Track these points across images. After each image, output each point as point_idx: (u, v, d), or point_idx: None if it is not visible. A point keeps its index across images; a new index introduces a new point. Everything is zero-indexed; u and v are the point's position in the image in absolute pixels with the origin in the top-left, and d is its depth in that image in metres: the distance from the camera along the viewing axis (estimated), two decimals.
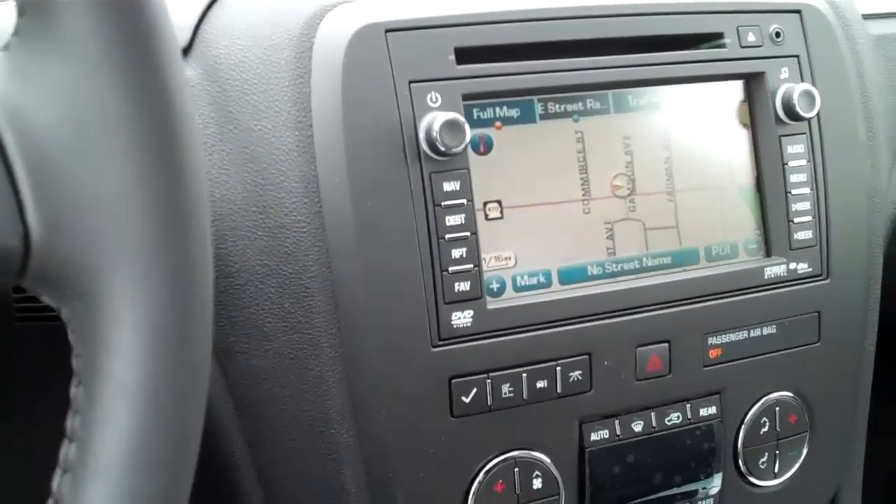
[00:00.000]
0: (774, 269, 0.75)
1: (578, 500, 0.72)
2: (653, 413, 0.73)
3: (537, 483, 0.70)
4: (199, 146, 0.37)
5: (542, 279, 0.69)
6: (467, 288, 0.65)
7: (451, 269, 0.65)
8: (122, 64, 0.35)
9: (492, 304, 0.67)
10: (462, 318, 0.65)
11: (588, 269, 0.71)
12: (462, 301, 0.65)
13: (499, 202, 0.68)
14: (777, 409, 0.78)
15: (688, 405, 0.74)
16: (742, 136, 0.75)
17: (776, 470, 0.79)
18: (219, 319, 0.66)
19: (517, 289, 0.69)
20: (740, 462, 0.78)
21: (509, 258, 0.69)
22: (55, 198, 0.36)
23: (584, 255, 0.70)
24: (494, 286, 0.68)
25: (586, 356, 0.69)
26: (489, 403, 0.66)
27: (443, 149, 0.62)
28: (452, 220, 0.65)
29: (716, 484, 0.77)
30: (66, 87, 0.36)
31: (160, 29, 0.36)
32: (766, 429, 0.78)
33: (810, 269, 0.76)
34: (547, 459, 0.70)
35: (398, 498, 0.67)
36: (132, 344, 0.36)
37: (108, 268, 0.36)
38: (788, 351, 0.77)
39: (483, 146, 0.67)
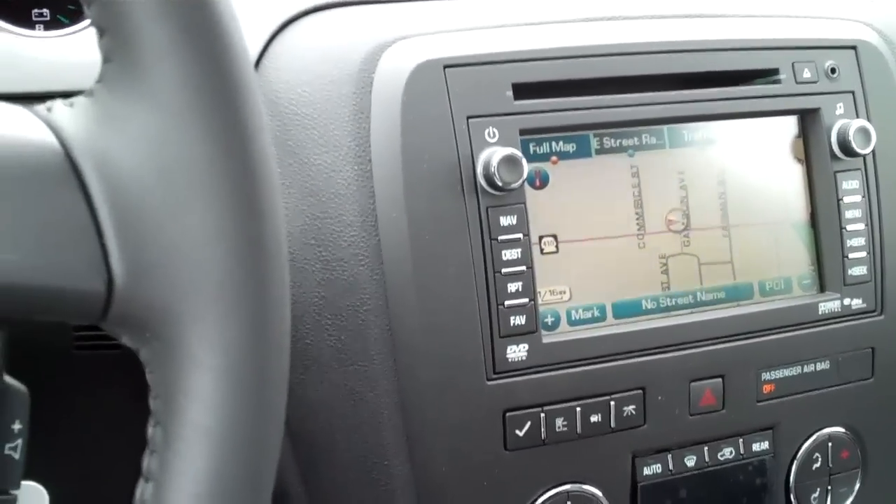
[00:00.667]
0: (828, 305, 0.75)
1: None
2: (706, 448, 0.73)
3: None
4: (279, 191, 0.38)
5: (596, 313, 0.70)
6: (523, 322, 0.66)
7: (507, 302, 0.65)
8: (207, 113, 0.36)
9: (547, 337, 0.67)
10: (517, 352, 0.66)
11: (642, 304, 0.71)
12: (517, 335, 0.66)
13: (554, 236, 0.68)
14: (829, 444, 0.78)
15: (741, 440, 0.74)
16: (797, 172, 0.75)
17: None
18: None
19: (572, 323, 0.69)
20: (792, 498, 0.77)
21: (564, 292, 0.69)
22: (139, 243, 0.36)
23: (639, 289, 0.71)
24: (549, 320, 0.68)
25: (640, 391, 0.69)
26: (543, 437, 0.67)
27: (500, 184, 0.62)
28: (509, 254, 0.65)
29: None
30: (151, 135, 0.36)
31: (246, 79, 0.37)
32: (818, 464, 0.78)
33: (864, 305, 0.76)
34: (599, 493, 0.70)
35: None
36: (211, 387, 0.36)
37: (190, 312, 0.36)
38: (842, 387, 0.77)
39: (539, 180, 0.68)
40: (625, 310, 0.70)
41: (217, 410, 0.36)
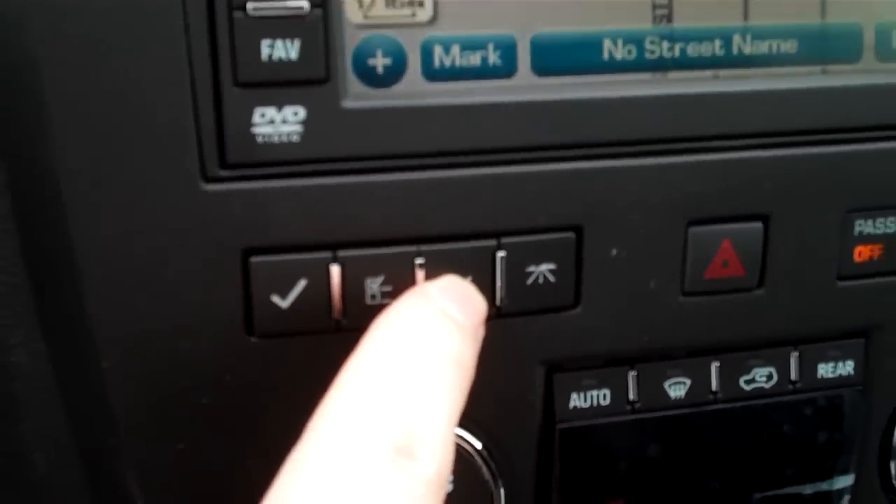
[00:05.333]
0: None
1: None
2: (715, 364, 0.35)
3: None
4: None
5: (493, 57, 0.32)
6: (293, 55, 0.29)
7: (251, 4, 0.28)
8: None
9: (360, 97, 0.30)
10: (280, 124, 0.29)
11: (604, 47, 0.32)
12: (281, 84, 0.29)
13: None
14: None
15: (793, 354, 0.36)
16: None
17: None
18: None
19: (431, 73, 0.31)
20: (894, 471, 0.39)
21: (420, 2, 0.31)
22: None
23: (598, 13, 0.32)
24: (378, 62, 0.31)
25: (571, 233, 0.32)
26: (336, 313, 0.30)
27: None
28: None
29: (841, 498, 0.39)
30: None
31: None
32: None
33: None
34: (470, 439, 0.34)
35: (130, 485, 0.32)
36: None
37: None
38: None
39: None
40: (560, 55, 0.32)
41: None
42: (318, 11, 0.29)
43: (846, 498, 0.39)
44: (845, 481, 0.39)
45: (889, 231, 0.36)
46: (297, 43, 0.29)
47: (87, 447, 0.32)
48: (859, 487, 0.39)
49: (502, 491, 0.35)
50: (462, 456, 0.34)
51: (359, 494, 0.23)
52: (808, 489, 0.38)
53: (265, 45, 0.29)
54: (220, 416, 0.31)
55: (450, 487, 0.34)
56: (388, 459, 0.23)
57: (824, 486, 0.39)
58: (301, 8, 0.29)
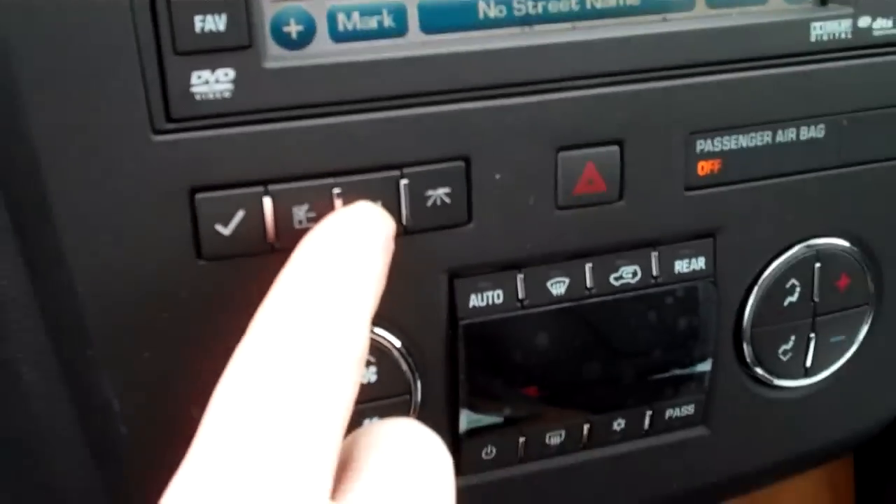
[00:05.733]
0: (830, 27, 0.43)
1: (447, 401, 0.43)
2: (587, 265, 0.43)
3: (370, 376, 0.41)
4: None
5: (387, 20, 0.38)
6: (221, 27, 0.35)
7: None
8: None
9: (277, 59, 0.36)
10: (213, 83, 0.36)
11: (479, 7, 0.39)
12: (213, 51, 0.35)
13: None
14: (817, 265, 0.47)
15: (654, 254, 0.43)
16: None
17: (808, 363, 0.49)
18: None
19: (337, 35, 0.38)
20: (746, 351, 0.47)
21: None
22: None
23: None
24: (291, 28, 0.37)
25: (461, 162, 0.39)
26: (270, 237, 0.37)
27: None
28: None
29: (700, 384, 0.46)
30: None
31: None
32: (794, 297, 0.47)
33: None
34: (390, 339, 0.41)
35: (106, 390, 0.38)
36: None
37: None
38: (844, 170, 0.45)
39: None
40: (443, 15, 0.39)
41: None
42: None
43: (705, 376, 0.47)
44: (705, 364, 0.46)
45: (725, 148, 0.43)
46: (224, 16, 0.35)
47: (67, 359, 0.38)
48: (718, 367, 0.47)
49: (419, 382, 0.42)
50: (384, 353, 0.41)
51: (299, 370, 0.29)
52: (674, 371, 0.46)
53: (198, 19, 0.35)
54: (177, 328, 0.38)
55: (374, 378, 0.41)
56: (314, 346, 0.30)
57: (688, 368, 0.46)
58: None
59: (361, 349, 0.31)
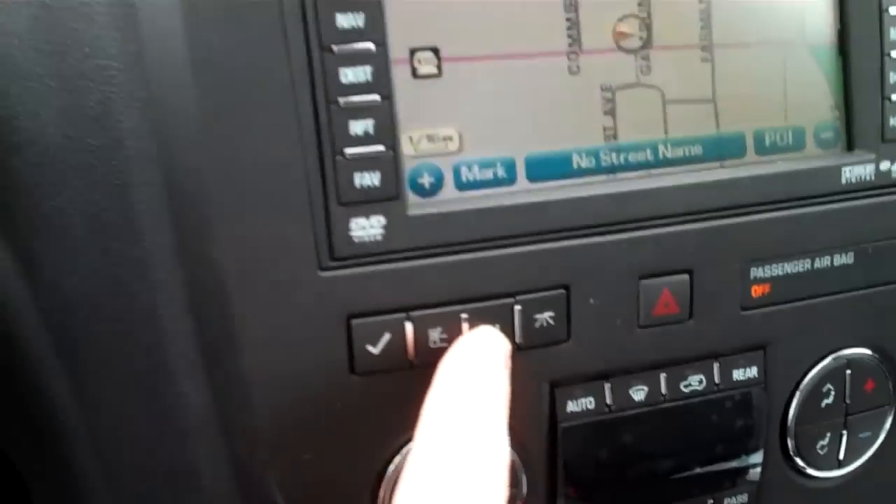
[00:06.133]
0: (857, 171, 0.51)
1: (547, 493, 0.50)
2: (662, 375, 0.50)
3: None
4: None
5: (500, 172, 0.46)
6: (376, 182, 0.42)
7: (348, 151, 0.41)
8: None
9: (417, 207, 0.44)
10: (368, 229, 0.43)
11: (573, 160, 0.47)
12: (368, 202, 0.42)
13: (434, 50, 0.44)
14: (848, 372, 0.54)
15: (715, 364, 0.51)
16: None
17: (841, 457, 0.56)
18: (12, 212, 0.43)
19: (461, 185, 0.45)
20: (790, 445, 0.54)
21: (450, 138, 0.45)
22: None
23: (568, 137, 0.47)
24: (425, 180, 0.44)
25: (562, 290, 0.46)
26: (410, 356, 0.44)
27: None
28: (351, 74, 0.41)
29: (752, 475, 0.53)
30: None
31: None
32: (829, 400, 0.54)
33: None
34: None
35: (273, 490, 0.45)
36: None
37: None
38: (870, 291, 0.53)
39: None
40: (545, 168, 0.46)
41: None
42: (391, 152, 0.43)
43: (758, 468, 0.54)
44: (757, 457, 0.54)
45: (774, 274, 0.51)
46: (378, 174, 0.43)
47: (242, 464, 0.44)
48: (767, 460, 0.54)
49: (524, 476, 0.49)
50: None
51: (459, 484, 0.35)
52: (733, 463, 0.53)
53: (357, 176, 0.42)
54: (333, 433, 0.45)
55: None
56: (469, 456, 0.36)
57: (743, 461, 0.53)
58: (381, 151, 0.43)
59: (507, 452, 0.38)
